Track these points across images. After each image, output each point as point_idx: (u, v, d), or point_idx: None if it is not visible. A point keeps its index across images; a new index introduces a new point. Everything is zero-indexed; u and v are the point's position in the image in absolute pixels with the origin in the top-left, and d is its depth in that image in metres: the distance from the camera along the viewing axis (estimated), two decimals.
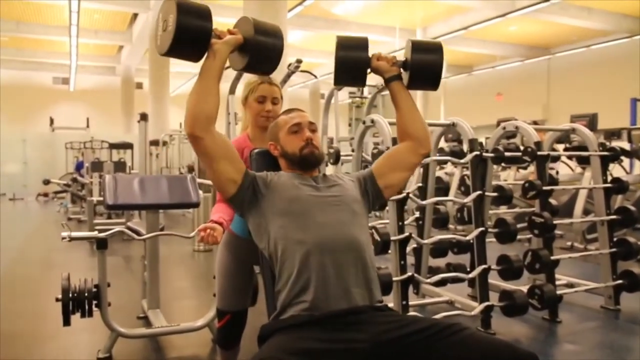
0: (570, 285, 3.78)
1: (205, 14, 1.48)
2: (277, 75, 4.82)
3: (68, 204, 9.75)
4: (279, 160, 1.75)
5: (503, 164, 7.13)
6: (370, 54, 1.71)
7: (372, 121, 3.13)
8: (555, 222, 3.31)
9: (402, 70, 1.73)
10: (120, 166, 8.77)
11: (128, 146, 10.54)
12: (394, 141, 3.02)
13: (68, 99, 20.10)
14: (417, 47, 1.69)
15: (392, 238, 2.85)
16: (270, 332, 1.43)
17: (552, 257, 3.26)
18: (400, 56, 1.76)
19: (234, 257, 2.14)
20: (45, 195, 12.93)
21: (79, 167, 10.28)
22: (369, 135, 5.73)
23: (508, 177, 7.16)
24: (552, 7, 11.15)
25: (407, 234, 2.85)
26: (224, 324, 2.18)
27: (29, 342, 3.10)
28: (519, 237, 3.59)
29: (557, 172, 6.81)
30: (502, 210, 4.61)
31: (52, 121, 14.26)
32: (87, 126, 13.65)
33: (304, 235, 1.49)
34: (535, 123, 4.35)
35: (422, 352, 1.35)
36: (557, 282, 3.51)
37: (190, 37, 1.46)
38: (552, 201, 3.75)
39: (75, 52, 14.95)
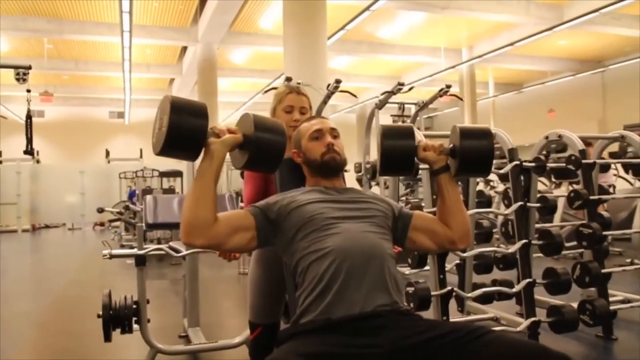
0: (626, 301, 3.56)
1: (200, 112, 1.41)
2: (317, 98, 4.85)
3: (122, 232, 10.06)
4: (302, 167, 1.75)
5: (555, 180, 6.91)
6: (416, 142, 1.64)
7: None
8: (608, 233, 3.16)
9: (450, 157, 1.64)
10: (169, 193, 8.99)
11: (177, 174, 10.82)
12: None
13: (123, 131, 20.99)
14: (466, 133, 1.61)
15: None
16: (287, 337, 1.41)
17: (603, 271, 3.09)
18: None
19: (265, 270, 2.14)
20: (102, 224, 13.39)
21: (131, 195, 10.63)
22: None
23: (560, 193, 6.90)
24: (603, 18, 10.75)
25: None
26: (256, 337, 2.18)
27: (75, 358, 3.18)
28: (572, 252, 3.42)
29: (613, 187, 6.52)
30: (553, 224, 4.43)
31: (107, 153, 14.85)
32: (141, 156, 14.12)
33: (326, 243, 1.46)
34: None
35: (447, 357, 1.29)
36: (613, 298, 3.32)
37: (183, 136, 1.38)
38: (605, 213, 3.58)
39: (129, 86, 15.61)
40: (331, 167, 1.66)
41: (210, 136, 1.44)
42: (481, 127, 1.66)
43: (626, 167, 5.93)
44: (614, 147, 4.58)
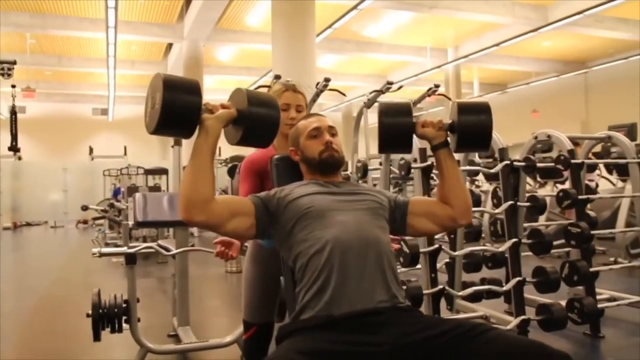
0: (613, 299, 3.61)
1: (193, 89, 1.40)
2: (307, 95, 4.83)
3: (106, 230, 9.95)
4: (300, 165, 1.74)
5: (540, 180, 6.98)
6: (414, 120, 1.64)
7: None
8: (595, 232, 3.19)
9: (449, 133, 1.65)
10: (155, 190, 8.91)
11: (163, 171, 10.74)
12: (422, 155, 2.96)
13: (107, 128, 20.75)
14: (464, 108, 1.62)
15: (422, 250, 2.78)
16: (288, 333, 1.40)
17: (591, 269, 3.13)
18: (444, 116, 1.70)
19: (259, 269, 2.12)
20: (85, 222, 13.24)
21: (116, 193, 10.52)
22: None
23: (545, 192, 6.98)
24: (586, 20, 10.87)
25: (436, 245, 2.79)
26: (250, 336, 2.17)
27: (61, 359, 3.13)
28: (558, 252, 3.46)
29: (597, 185, 6.61)
30: (539, 223, 4.47)
31: (91, 150, 14.64)
32: (125, 154, 13.96)
33: (324, 235, 1.46)
34: None
35: (447, 354, 1.29)
36: (599, 297, 3.36)
37: (177, 114, 1.38)
38: (591, 213, 3.62)
39: (113, 83, 15.43)
40: (329, 164, 1.66)
41: (204, 112, 1.44)
42: (480, 102, 1.66)
43: (609, 167, 6.03)
44: (596, 147, 4.64)
